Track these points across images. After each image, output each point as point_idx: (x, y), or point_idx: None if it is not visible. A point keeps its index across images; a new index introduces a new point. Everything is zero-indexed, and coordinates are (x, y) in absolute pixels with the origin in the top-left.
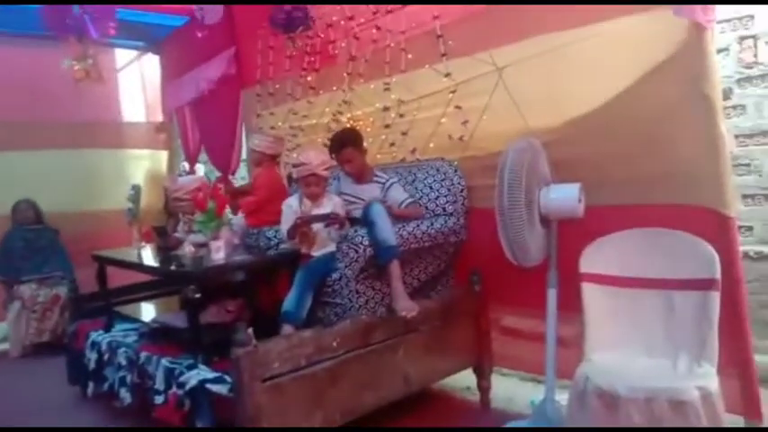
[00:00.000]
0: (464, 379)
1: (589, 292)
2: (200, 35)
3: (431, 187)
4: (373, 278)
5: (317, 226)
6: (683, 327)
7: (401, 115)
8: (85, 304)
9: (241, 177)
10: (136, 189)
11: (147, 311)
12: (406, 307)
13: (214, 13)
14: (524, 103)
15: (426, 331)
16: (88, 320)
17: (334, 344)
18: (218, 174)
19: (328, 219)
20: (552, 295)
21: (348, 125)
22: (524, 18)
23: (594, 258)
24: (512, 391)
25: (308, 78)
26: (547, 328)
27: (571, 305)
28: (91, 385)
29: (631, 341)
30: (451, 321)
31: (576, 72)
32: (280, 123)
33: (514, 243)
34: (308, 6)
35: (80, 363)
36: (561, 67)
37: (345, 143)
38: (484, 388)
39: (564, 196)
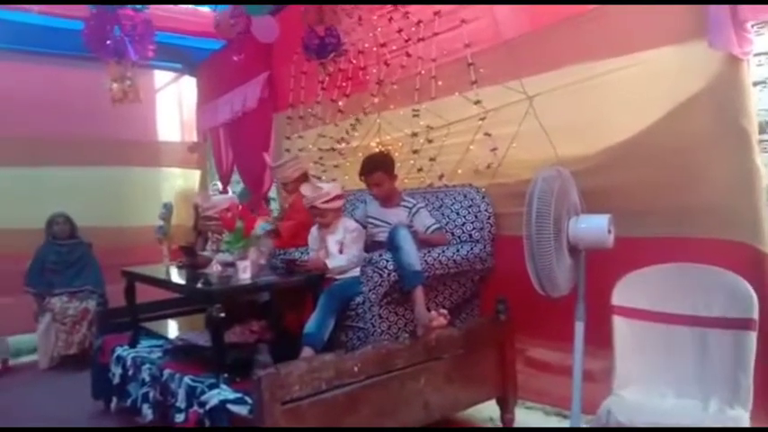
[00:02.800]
0: (487, 410)
1: (620, 325)
2: (236, 59)
3: (458, 213)
4: (397, 303)
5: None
6: (716, 367)
7: (430, 141)
8: (113, 319)
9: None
10: (167, 207)
11: (173, 328)
12: (433, 316)
13: (270, 32)
14: (554, 132)
15: (449, 360)
16: (115, 335)
17: (355, 368)
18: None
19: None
20: (579, 328)
21: (377, 150)
22: (557, 48)
23: (627, 291)
24: (536, 425)
25: (339, 103)
26: (574, 362)
27: (599, 339)
28: (114, 400)
29: (661, 378)
30: (475, 350)
31: (608, 102)
32: (309, 146)
33: (542, 272)
34: (341, 33)
35: (105, 377)
36: (593, 97)
37: (376, 167)
38: (507, 420)
39: (593, 226)
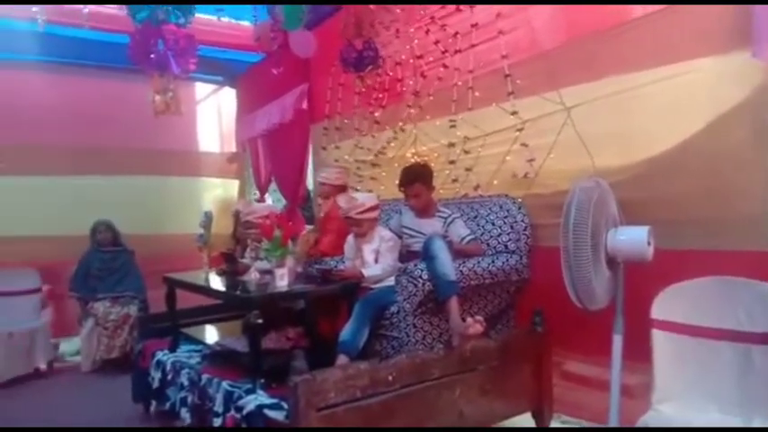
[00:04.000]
0: (523, 422)
1: (660, 339)
2: (275, 72)
3: (493, 224)
4: (431, 313)
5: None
6: (760, 384)
7: (466, 152)
8: (154, 324)
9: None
10: (208, 215)
11: (212, 334)
12: (469, 324)
13: (307, 47)
14: (592, 143)
15: (484, 371)
16: (155, 340)
17: (390, 378)
18: (285, 203)
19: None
20: (617, 341)
21: (413, 160)
22: (596, 59)
23: (667, 305)
24: None
25: (375, 114)
26: (611, 376)
27: (637, 353)
28: (154, 403)
29: (702, 394)
30: (511, 363)
31: (648, 113)
32: (346, 157)
33: (579, 284)
34: (379, 46)
35: (145, 381)
36: (633, 108)
37: (416, 178)
38: None
39: (632, 238)
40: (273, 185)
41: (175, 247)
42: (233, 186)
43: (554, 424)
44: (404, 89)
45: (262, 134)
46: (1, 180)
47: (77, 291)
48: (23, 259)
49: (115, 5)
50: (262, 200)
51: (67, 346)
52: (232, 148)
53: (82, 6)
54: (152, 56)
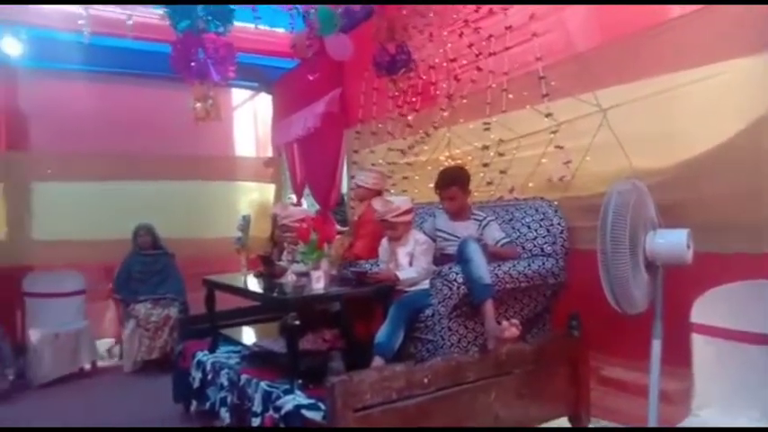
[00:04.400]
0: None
1: (699, 343)
2: (311, 78)
3: (529, 227)
4: (466, 317)
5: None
6: None
7: (501, 154)
8: (193, 325)
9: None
10: (246, 219)
11: (250, 335)
12: (504, 327)
13: (344, 50)
14: (630, 145)
15: (520, 375)
16: (195, 341)
17: (425, 380)
18: (317, 208)
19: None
20: (656, 346)
21: (447, 163)
22: (632, 60)
23: (708, 309)
24: None
25: (409, 118)
26: (650, 381)
27: (676, 358)
28: (194, 403)
29: (744, 399)
30: (547, 367)
31: (686, 114)
32: (380, 161)
33: (617, 288)
34: (412, 49)
35: (185, 381)
36: (671, 109)
37: (453, 182)
38: None
39: (671, 242)
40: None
41: (214, 250)
42: (269, 190)
43: (591, 428)
44: (437, 92)
45: (296, 139)
46: (48, 186)
47: (120, 292)
48: (68, 262)
49: (157, 16)
50: (298, 204)
51: (107, 346)
52: (268, 152)
53: (126, 17)
54: (192, 64)
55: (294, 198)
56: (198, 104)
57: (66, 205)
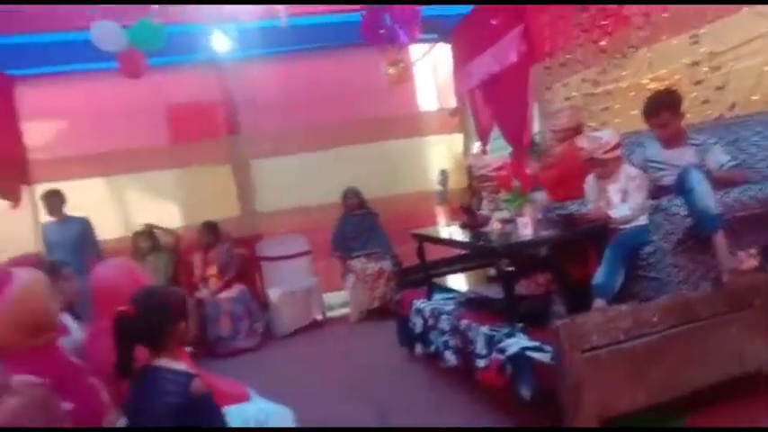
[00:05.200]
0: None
1: None
2: (494, 23)
3: (758, 146)
4: (694, 251)
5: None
6: None
7: (715, 69)
8: (408, 276)
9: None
10: (444, 173)
11: (459, 283)
12: (741, 258)
13: None
14: None
15: (762, 308)
16: (411, 290)
17: (654, 319)
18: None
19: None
20: None
21: (650, 87)
22: None
23: None
24: None
25: (601, 43)
26: None
27: None
28: (418, 347)
29: None
30: None
31: None
32: (573, 93)
33: None
34: None
35: (407, 327)
36: None
37: (663, 107)
38: None
39: None
40: (495, 134)
41: (410, 206)
42: (456, 141)
43: None
44: (631, 10)
45: (481, 83)
46: (264, 162)
47: (337, 250)
48: (291, 228)
49: None
50: (484, 150)
51: (335, 299)
52: (449, 103)
53: None
54: (381, 31)
55: (480, 146)
56: (391, 69)
57: (283, 178)
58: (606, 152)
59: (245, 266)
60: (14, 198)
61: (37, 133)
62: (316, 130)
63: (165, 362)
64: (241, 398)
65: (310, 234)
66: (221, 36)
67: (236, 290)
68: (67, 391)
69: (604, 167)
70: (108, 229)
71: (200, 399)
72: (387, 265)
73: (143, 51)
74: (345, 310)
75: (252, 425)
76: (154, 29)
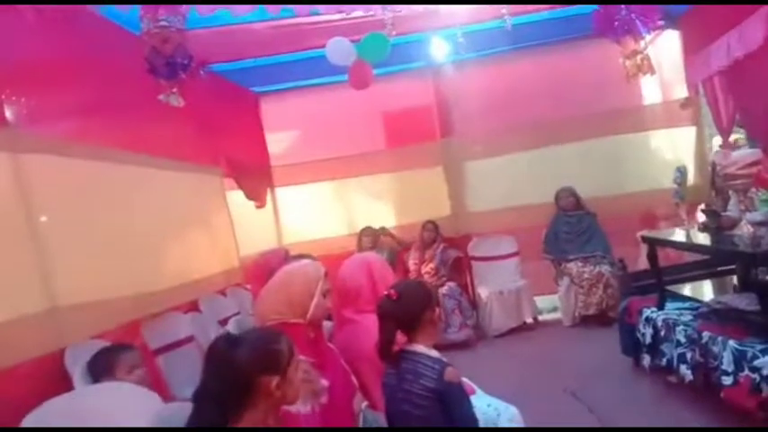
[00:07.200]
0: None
1: None
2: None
3: None
4: None
5: None
6: None
7: None
8: (633, 282)
9: None
10: (682, 171)
11: (697, 292)
12: None
13: None
14: None
15: None
16: (638, 297)
17: None
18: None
19: None
20: None
21: None
22: None
23: None
24: None
25: None
26: None
27: None
28: (646, 358)
29: None
30: None
31: None
32: None
33: None
34: None
35: (632, 336)
36: None
37: None
38: None
39: None
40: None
41: (635, 206)
42: (687, 135)
43: None
44: None
45: (720, 70)
46: (477, 164)
47: (549, 252)
48: (500, 228)
49: None
50: (726, 144)
51: (544, 303)
52: (675, 94)
53: None
54: (616, 23)
55: (720, 140)
56: (627, 62)
57: (493, 178)
58: None
59: (458, 265)
60: (261, 200)
61: (276, 142)
62: (531, 128)
63: (421, 348)
64: (468, 391)
65: (521, 235)
66: (441, 43)
67: (446, 287)
68: (325, 370)
69: None
70: (334, 228)
71: (453, 386)
72: (606, 269)
73: (370, 63)
74: (556, 315)
75: (481, 420)
76: (380, 41)
